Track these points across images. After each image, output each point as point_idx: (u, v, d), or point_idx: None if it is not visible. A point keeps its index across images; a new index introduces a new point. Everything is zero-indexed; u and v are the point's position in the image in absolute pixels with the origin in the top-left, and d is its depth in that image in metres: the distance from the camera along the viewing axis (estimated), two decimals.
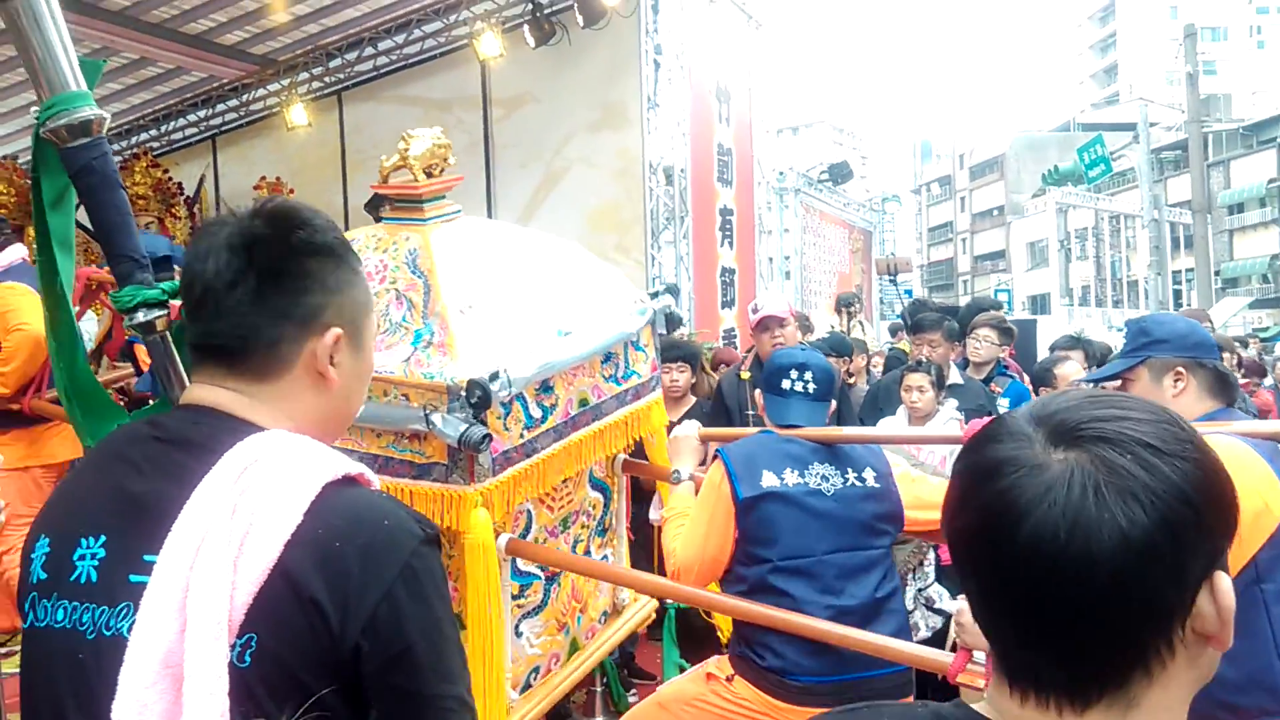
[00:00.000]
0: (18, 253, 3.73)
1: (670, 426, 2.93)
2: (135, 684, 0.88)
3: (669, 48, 8.03)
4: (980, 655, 1.91)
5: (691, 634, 3.42)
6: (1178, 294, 30.98)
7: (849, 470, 2.44)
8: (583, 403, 2.44)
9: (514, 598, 2.38)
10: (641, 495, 3.75)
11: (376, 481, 1.06)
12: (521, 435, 2.22)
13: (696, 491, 2.56)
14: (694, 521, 2.43)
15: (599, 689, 3.47)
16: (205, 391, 1.08)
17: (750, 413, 4.13)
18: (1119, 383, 2.23)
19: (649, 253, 7.95)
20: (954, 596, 3.31)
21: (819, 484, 2.40)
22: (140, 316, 1.75)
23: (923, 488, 2.48)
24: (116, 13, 7.85)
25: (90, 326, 4.26)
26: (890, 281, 15.32)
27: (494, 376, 2.04)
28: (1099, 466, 0.69)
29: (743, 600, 2.35)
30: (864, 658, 2.22)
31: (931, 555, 3.47)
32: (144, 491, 1.00)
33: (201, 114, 10.22)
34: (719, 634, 2.94)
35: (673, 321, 2.83)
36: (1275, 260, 35.08)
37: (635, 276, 7.63)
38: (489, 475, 2.11)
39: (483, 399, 2.02)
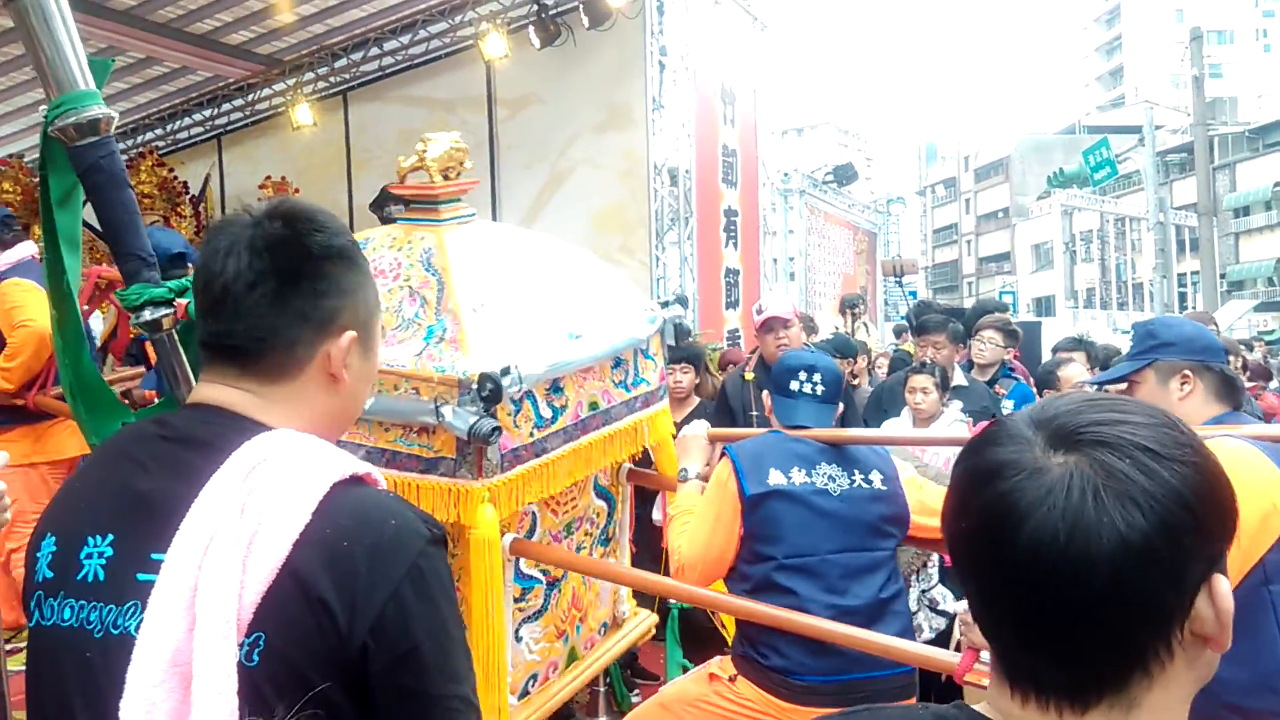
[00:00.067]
0: (27, 249, 3.75)
1: (676, 428, 2.93)
2: (143, 682, 0.89)
3: (674, 49, 8.04)
4: (987, 654, 1.91)
5: (695, 634, 3.42)
6: (1183, 297, 30.90)
7: (856, 472, 2.45)
8: (593, 406, 2.44)
9: (515, 601, 2.39)
10: (645, 495, 3.75)
11: (383, 481, 1.06)
12: (531, 434, 2.23)
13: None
14: (699, 518, 2.43)
15: (602, 689, 3.47)
16: (215, 391, 1.08)
17: (754, 413, 4.13)
18: (1125, 385, 2.22)
19: (653, 254, 7.95)
20: (958, 598, 3.30)
21: (826, 484, 2.40)
22: (147, 315, 1.75)
23: (928, 494, 2.48)
24: (123, 12, 7.87)
25: (96, 325, 4.27)
26: (896, 283, 15.34)
27: (505, 371, 2.05)
28: (1098, 470, 0.69)
29: (747, 599, 2.35)
30: (868, 658, 2.22)
31: (935, 557, 3.47)
32: (151, 490, 1.01)
33: (207, 113, 10.23)
34: (723, 634, 2.94)
35: (681, 332, 2.84)
36: None
37: (640, 277, 7.63)
38: (497, 471, 2.12)
39: (494, 392, 2.03)
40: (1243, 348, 8.17)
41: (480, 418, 2.02)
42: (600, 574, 2.68)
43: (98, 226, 1.81)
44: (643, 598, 3.10)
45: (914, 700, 2.37)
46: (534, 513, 2.45)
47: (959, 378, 4.49)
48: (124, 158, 1.81)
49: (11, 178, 7.13)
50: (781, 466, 2.40)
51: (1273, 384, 8.25)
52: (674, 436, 2.85)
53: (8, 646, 1.66)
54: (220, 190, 10.33)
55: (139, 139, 10.48)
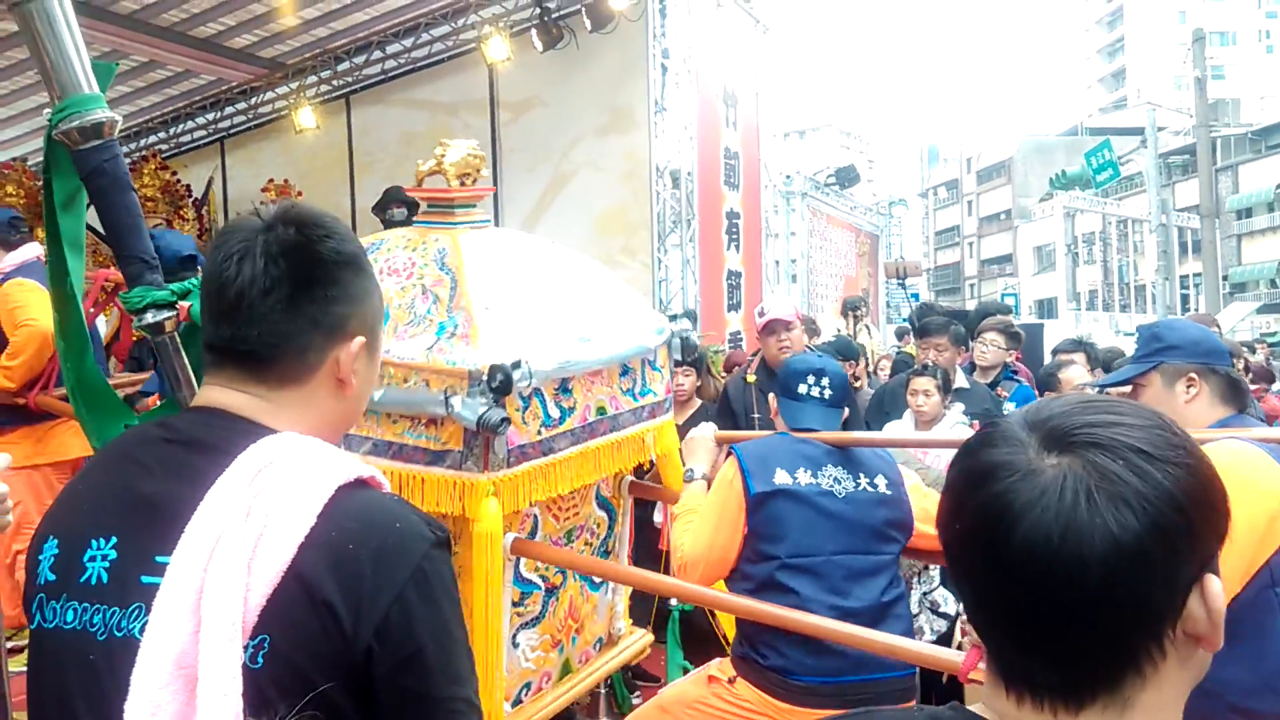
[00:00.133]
0: (32, 250, 3.76)
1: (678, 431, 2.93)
2: (148, 685, 0.89)
3: (676, 52, 8.04)
4: None
5: (695, 637, 3.42)
6: (1185, 299, 30.85)
7: (861, 475, 2.45)
8: (600, 411, 2.45)
9: (514, 605, 2.39)
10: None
11: (387, 484, 1.07)
12: (539, 432, 2.24)
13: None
14: (704, 515, 2.44)
15: (603, 691, 3.47)
16: (220, 394, 1.09)
17: (756, 416, 4.14)
18: (1130, 388, 2.22)
19: (655, 256, 7.95)
20: (959, 600, 3.30)
21: (831, 485, 2.41)
22: (149, 317, 1.76)
23: (932, 502, 2.48)
24: (126, 16, 7.89)
25: (102, 328, 4.28)
26: (898, 285, 15.32)
27: (516, 364, 2.07)
28: (1091, 472, 0.70)
29: (749, 599, 2.35)
30: (868, 661, 2.22)
31: None
32: (155, 492, 1.01)
33: (210, 117, 10.25)
34: (722, 636, 2.94)
35: (688, 347, 2.85)
36: None
37: (642, 279, 7.63)
38: (503, 466, 2.13)
39: (504, 384, 2.04)
40: (1245, 350, 8.14)
41: (489, 408, 2.03)
42: (600, 573, 2.68)
43: (101, 230, 1.82)
44: (639, 613, 3.10)
45: (914, 704, 2.37)
46: (536, 515, 2.45)
47: (961, 380, 4.48)
48: (127, 161, 1.81)
49: (15, 181, 7.14)
50: (787, 467, 2.41)
51: (1275, 386, 8.22)
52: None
53: (9, 645, 1.66)
54: (223, 193, 10.34)
55: (142, 142, 10.50)
